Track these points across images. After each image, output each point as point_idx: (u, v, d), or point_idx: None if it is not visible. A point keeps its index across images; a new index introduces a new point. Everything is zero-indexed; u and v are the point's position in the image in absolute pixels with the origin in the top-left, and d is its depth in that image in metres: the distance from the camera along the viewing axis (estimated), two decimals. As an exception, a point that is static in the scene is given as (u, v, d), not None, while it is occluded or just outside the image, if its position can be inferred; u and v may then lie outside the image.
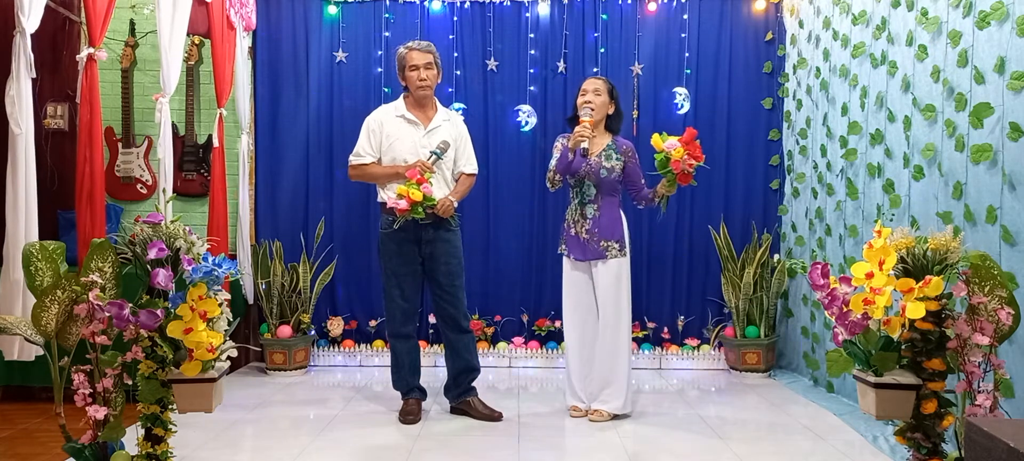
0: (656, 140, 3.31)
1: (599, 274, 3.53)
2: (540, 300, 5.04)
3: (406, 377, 3.61)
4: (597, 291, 3.54)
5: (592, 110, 3.50)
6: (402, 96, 3.64)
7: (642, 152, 3.77)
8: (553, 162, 3.57)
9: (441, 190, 3.50)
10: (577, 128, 3.45)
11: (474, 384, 3.68)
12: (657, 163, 3.34)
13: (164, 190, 3.63)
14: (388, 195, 3.49)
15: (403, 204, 3.28)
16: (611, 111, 3.60)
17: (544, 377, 4.61)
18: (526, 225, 5.03)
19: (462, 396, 3.64)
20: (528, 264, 5.03)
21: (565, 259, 3.64)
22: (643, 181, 3.63)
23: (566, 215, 3.65)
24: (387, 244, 3.54)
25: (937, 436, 2.28)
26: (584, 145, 3.43)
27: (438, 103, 3.64)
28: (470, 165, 3.65)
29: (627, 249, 3.57)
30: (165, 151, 3.70)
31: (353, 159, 3.60)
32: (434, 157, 3.44)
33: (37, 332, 2.36)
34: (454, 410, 3.67)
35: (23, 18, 2.81)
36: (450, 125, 3.60)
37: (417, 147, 3.50)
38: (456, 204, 3.51)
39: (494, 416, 3.55)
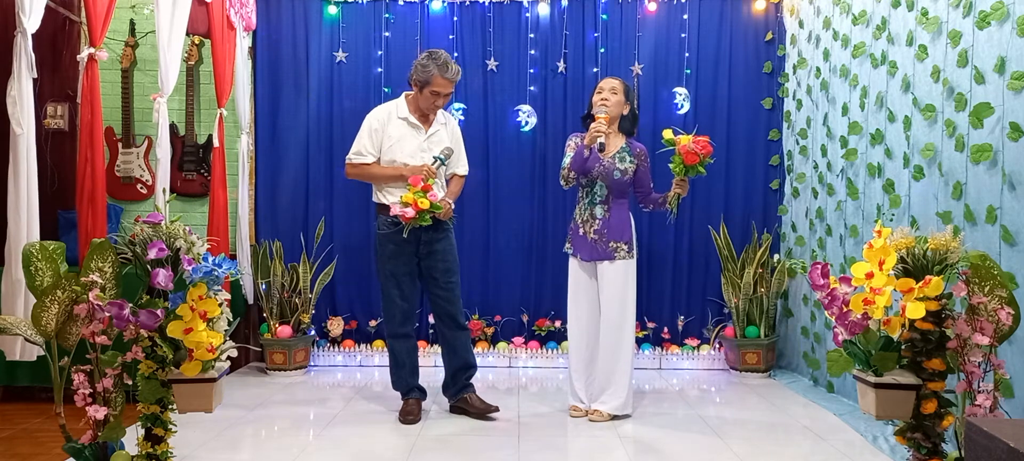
0: (668, 134, 3.31)
1: (605, 274, 3.53)
2: (540, 300, 5.04)
3: (406, 377, 3.62)
4: (602, 291, 3.54)
5: (608, 108, 3.50)
6: (404, 96, 3.63)
7: (654, 155, 3.78)
8: (567, 160, 3.56)
9: (438, 193, 3.52)
10: (593, 125, 3.44)
11: (471, 381, 3.69)
12: (672, 162, 3.33)
13: (163, 190, 3.63)
14: (387, 199, 3.49)
15: (410, 212, 3.28)
16: (626, 112, 3.60)
17: (544, 377, 4.61)
18: (526, 225, 5.03)
19: (460, 393, 3.65)
20: (528, 264, 5.03)
21: (571, 259, 3.64)
22: (652, 184, 3.64)
23: (574, 215, 3.65)
24: (386, 245, 3.54)
25: (937, 436, 2.28)
26: (600, 140, 3.42)
27: None
28: (462, 167, 3.69)
29: (635, 251, 3.57)
30: (162, 151, 3.70)
31: (354, 158, 3.57)
32: (438, 163, 3.45)
33: (37, 332, 2.36)
34: (454, 408, 3.68)
35: (24, 18, 2.81)
36: (446, 129, 3.62)
37: (418, 151, 3.51)
38: (453, 205, 3.54)
39: (490, 410, 3.57)
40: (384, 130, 3.54)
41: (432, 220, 3.41)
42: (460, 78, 3.57)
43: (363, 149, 3.55)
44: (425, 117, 3.57)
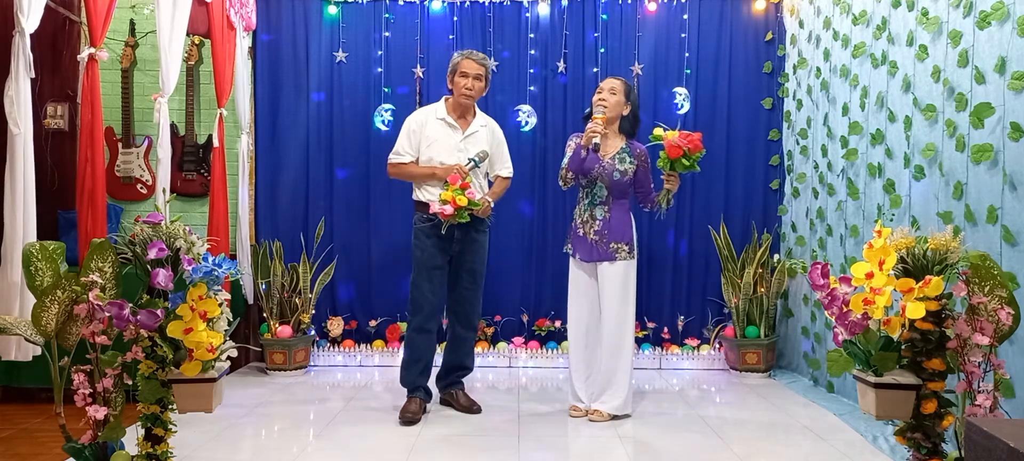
0: (657, 132, 3.33)
1: (605, 275, 3.52)
2: (540, 300, 5.04)
3: (416, 375, 3.64)
4: (602, 292, 3.54)
5: (606, 108, 3.50)
6: (443, 99, 3.74)
7: (654, 155, 3.78)
8: (566, 160, 3.58)
9: (478, 194, 3.57)
10: (589, 125, 3.45)
11: (462, 380, 3.85)
12: (660, 158, 3.35)
13: (164, 190, 3.63)
14: (424, 196, 3.58)
15: (448, 209, 3.35)
16: (626, 112, 3.59)
17: (544, 377, 4.61)
18: (526, 225, 5.03)
19: (449, 388, 3.80)
20: (528, 264, 5.03)
21: (571, 259, 3.64)
22: (652, 185, 3.63)
23: (574, 215, 3.65)
24: (421, 239, 3.61)
25: (937, 436, 2.28)
26: (595, 141, 3.42)
27: (477, 109, 3.73)
28: (506, 169, 3.79)
29: (635, 252, 3.56)
30: (164, 151, 3.70)
31: (393, 158, 3.68)
32: (472, 164, 3.53)
33: (37, 332, 2.36)
34: (442, 400, 3.82)
35: (22, 18, 2.81)
36: (486, 131, 3.71)
37: (454, 151, 3.59)
38: (492, 204, 3.61)
39: (474, 406, 3.70)
40: (422, 131, 3.64)
41: (470, 217, 3.46)
42: (487, 66, 3.66)
43: (402, 149, 3.66)
44: (463, 118, 3.66)
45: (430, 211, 3.46)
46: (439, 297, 3.66)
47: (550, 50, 4.99)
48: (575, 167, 3.53)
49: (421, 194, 3.62)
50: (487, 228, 3.72)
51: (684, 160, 3.30)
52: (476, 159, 3.55)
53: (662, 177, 3.44)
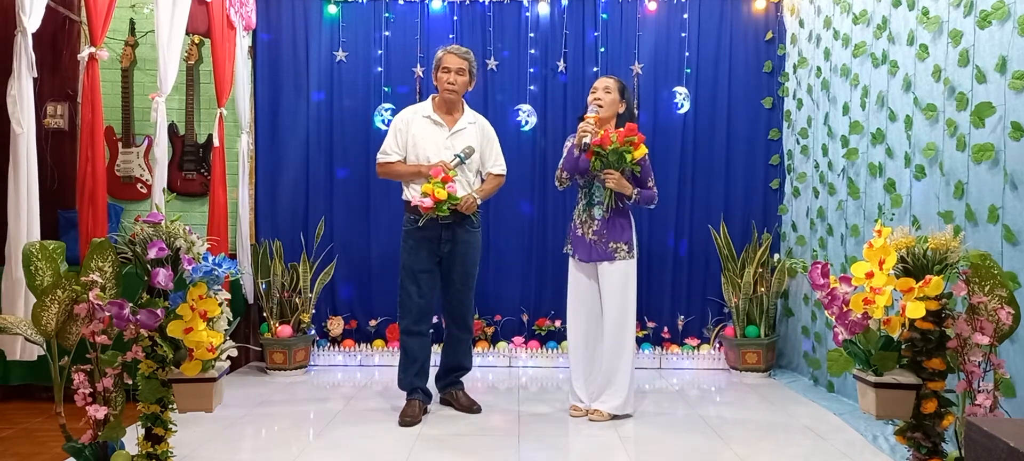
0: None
1: (605, 275, 3.52)
2: (540, 300, 5.04)
3: (412, 377, 3.63)
4: (602, 292, 3.54)
5: (600, 106, 3.50)
6: (431, 97, 3.72)
7: (653, 153, 3.79)
8: (562, 161, 3.58)
9: (463, 191, 3.56)
10: (581, 124, 3.46)
11: (461, 379, 3.86)
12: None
13: (164, 190, 3.63)
14: (412, 194, 3.56)
15: (427, 202, 3.35)
16: (621, 110, 3.59)
17: (544, 377, 4.61)
18: (526, 225, 5.03)
19: (449, 388, 3.81)
20: (528, 264, 5.03)
21: (571, 259, 3.64)
22: (651, 183, 3.62)
23: (573, 216, 3.65)
24: (408, 241, 3.60)
25: (937, 436, 2.28)
26: (586, 140, 3.43)
27: (466, 106, 3.70)
28: (498, 166, 3.74)
29: (635, 251, 3.56)
30: (161, 151, 3.70)
31: (380, 157, 3.68)
32: (457, 160, 3.51)
33: (37, 332, 2.36)
34: (442, 400, 3.83)
35: (24, 18, 2.81)
36: (475, 128, 3.68)
37: (441, 148, 3.57)
38: (479, 201, 3.58)
39: (474, 406, 3.70)
40: (408, 129, 3.63)
41: (450, 212, 3.44)
42: (470, 59, 3.63)
43: (388, 148, 3.65)
44: (450, 115, 3.64)
45: (412, 205, 3.46)
46: (428, 299, 3.63)
47: (550, 50, 4.99)
48: (570, 167, 3.53)
49: (409, 193, 3.60)
50: (477, 227, 3.68)
51: (596, 160, 3.40)
52: (462, 155, 3.52)
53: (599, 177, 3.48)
